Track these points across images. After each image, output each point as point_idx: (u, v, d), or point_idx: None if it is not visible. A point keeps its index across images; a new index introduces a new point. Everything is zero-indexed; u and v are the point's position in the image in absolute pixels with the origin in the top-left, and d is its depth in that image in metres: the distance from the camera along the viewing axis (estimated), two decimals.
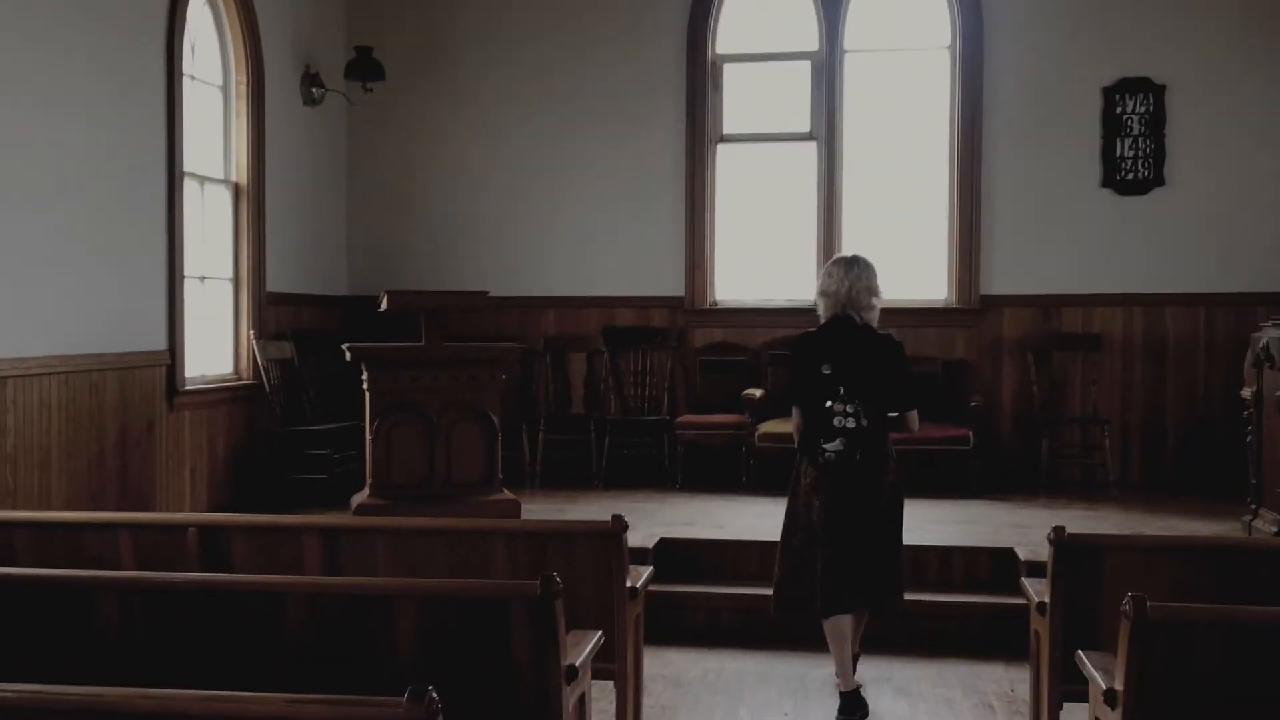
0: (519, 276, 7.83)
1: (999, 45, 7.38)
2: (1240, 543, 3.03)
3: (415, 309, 6.15)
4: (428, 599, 2.62)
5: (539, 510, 6.34)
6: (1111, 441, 7.11)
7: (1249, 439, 5.61)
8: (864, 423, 4.08)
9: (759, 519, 6.14)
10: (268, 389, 6.68)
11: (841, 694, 4.22)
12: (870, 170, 7.66)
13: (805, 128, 7.69)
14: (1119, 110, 7.32)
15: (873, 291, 4.22)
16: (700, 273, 7.70)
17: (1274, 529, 5.20)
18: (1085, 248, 7.34)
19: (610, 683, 3.63)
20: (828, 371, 4.12)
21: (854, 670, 4.30)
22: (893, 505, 4.28)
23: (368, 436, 5.98)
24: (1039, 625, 3.39)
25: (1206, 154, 7.21)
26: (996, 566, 5.36)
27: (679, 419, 7.28)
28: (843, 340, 4.18)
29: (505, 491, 6.13)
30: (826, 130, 7.63)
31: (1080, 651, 2.72)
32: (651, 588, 5.24)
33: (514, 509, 6.07)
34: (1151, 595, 3.14)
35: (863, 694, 4.25)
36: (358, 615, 2.63)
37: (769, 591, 5.16)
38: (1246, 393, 5.64)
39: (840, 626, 4.18)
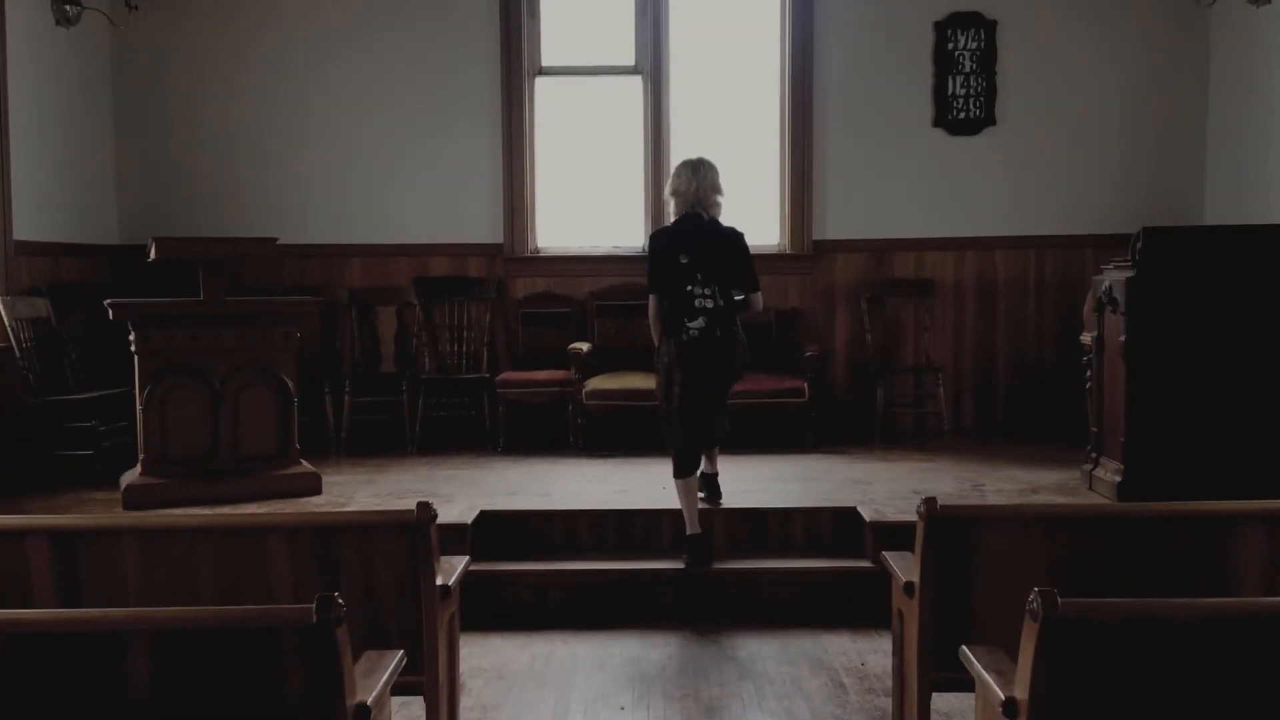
0: (320, 222, 7.08)
1: None
2: (1121, 511, 2.72)
3: (191, 258, 5.38)
4: (168, 631, 2.03)
5: (344, 483, 5.70)
6: (945, 389, 6.95)
7: (1089, 386, 5.46)
8: (720, 303, 4.73)
9: (589, 484, 5.68)
10: (18, 353, 5.76)
11: (689, 537, 4.80)
12: (700, 108, 7.21)
13: (630, 60, 7.17)
14: (951, 46, 7.07)
15: (717, 190, 4.84)
16: (520, 218, 7.12)
17: (1116, 478, 5.07)
18: (917, 190, 7.11)
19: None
20: (685, 261, 4.71)
21: (715, 460, 5.11)
22: (739, 374, 4.94)
23: (138, 406, 5.22)
24: (904, 606, 3.03)
25: (1037, 93, 7.05)
26: (839, 527, 5.06)
27: (500, 376, 6.73)
28: (695, 233, 4.78)
29: (304, 463, 5.48)
30: (652, 64, 7.13)
31: (965, 648, 2.34)
32: (473, 567, 4.74)
33: (313, 483, 5.43)
34: (1030, 573, 2.81)
35: (716, 481, 5.11)
36: (74, 654, 2.02)
37: (601, 565, 4.84)
38: (1087, 338, 5.49)
39: (692, 483, 4.84)
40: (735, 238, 4.88)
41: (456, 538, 4.79)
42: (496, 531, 5.02)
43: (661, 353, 4.83)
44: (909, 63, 7.07)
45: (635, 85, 7.17)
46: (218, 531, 2.89)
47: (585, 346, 6.64)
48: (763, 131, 7.22)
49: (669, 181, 4.98)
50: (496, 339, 7.10)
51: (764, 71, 7.20)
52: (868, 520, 4.86)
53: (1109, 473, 5.15)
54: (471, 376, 6.87)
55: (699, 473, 5.09)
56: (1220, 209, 6.85)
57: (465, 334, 7.03)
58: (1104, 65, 7.01)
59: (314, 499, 5.35)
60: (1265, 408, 4.89)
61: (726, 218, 4.96)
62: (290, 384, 5.39)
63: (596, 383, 6.49)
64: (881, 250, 7.11)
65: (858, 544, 4.94)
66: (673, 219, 4.91)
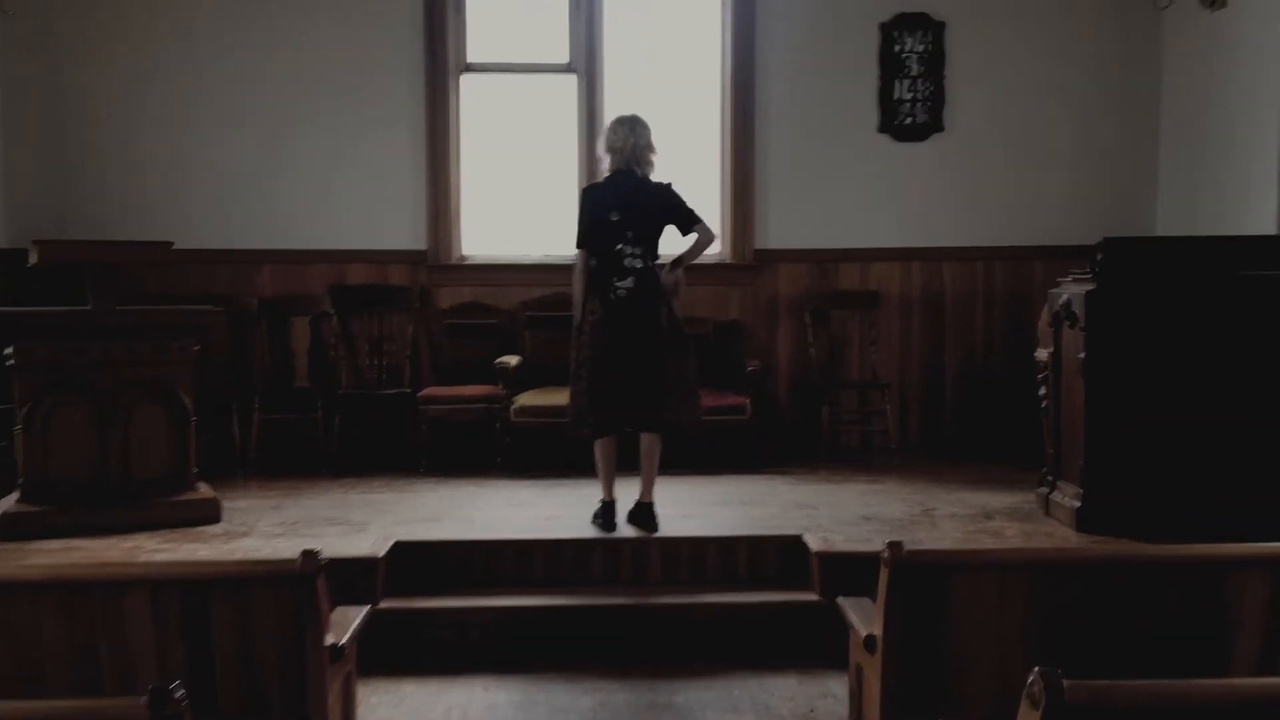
0: (229, 227, 6.60)
1: None
2: (1109, 556, 2.40)
3: (77, 263, 4.89)
4: None
5: (247, 509, 5.23)
6: (891, 406, 6.65)
7: (1044, 404, 5.18)
8: (649, 263, 4.71)
9: (515, 509, 5.28)
10: None
11: (602, 503, 4.81)
12: (637, 110, 6.80)
13: (564, 58, 6.79)
14: (897, 49, 6.80)
15: (651, 148, 4.77)
16: (445, 223, 6.70)
17: (1074, 503, 4.79)
18: (863, 198, 6.82)
19: None
20: (615, 218, 4.69)
21: (652, 488, 4.84)
22: (674, 339, 4.78)
23: (17, 425, 4.73)
24: (864, 662, 2.68)
25: (986, 98, 6.80)
26: (784, 556, 4.71)
27: (423, 392, 6.30)
28: (628, 190, 4.73)
29: (202, 488, 5.02)
30: (587, 62, 6.75)
31: None
32: (386, 604, 4.35)
33: (211, 510, 4.97)
34: (1009, 627, 2.48)
35: (651, 510, 4.80)
36: None
37: (526, 600, 4.45)
38: (1042, 354, 5.20)
39: (609, 446, 4.79)
40: (666, 189, 4.81)
41: (367, 572, 4.38)
42: (413, 564, 4.60)
43: (586, 311, 4.73)
44: (854, 65, 6.78)
45: (569, 84, 6.79)
46: (67, 587, 2.45)
47: (514, 360, 6.24)
48: (703, 135, 6.88)
49: (602, 137, 4.89)
50: (419, 352, 6.66)
51: (704, 73, 6.86)
52: (815, 550, 4.51)
53: (1067, 497, 4.87)
54: (392, 392, 6.42)
55: (636, 503, 4.82)
56: (1173, 219, 6.65)
57: (385, 346, 6.59)
58: (1055, 70, 6.78)
59: (211, 528, 4.89)
60: (1231, 428, 4.64)
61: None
62: (188, 401, 4.93)
63: (526, 399, 6.09)
64: (826, 260, 6.81)
65: (803, 575, 4.60)
66: (606, 174, 4.84)
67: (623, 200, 4.72)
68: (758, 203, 6.78)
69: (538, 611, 4.42)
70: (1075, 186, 6.82)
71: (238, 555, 4.44)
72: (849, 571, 4.39)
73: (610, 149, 4.80)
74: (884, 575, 2.50)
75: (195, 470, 5.00)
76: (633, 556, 4.70)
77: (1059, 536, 4.69)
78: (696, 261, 6.52)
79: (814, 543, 4.58)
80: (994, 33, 6.76)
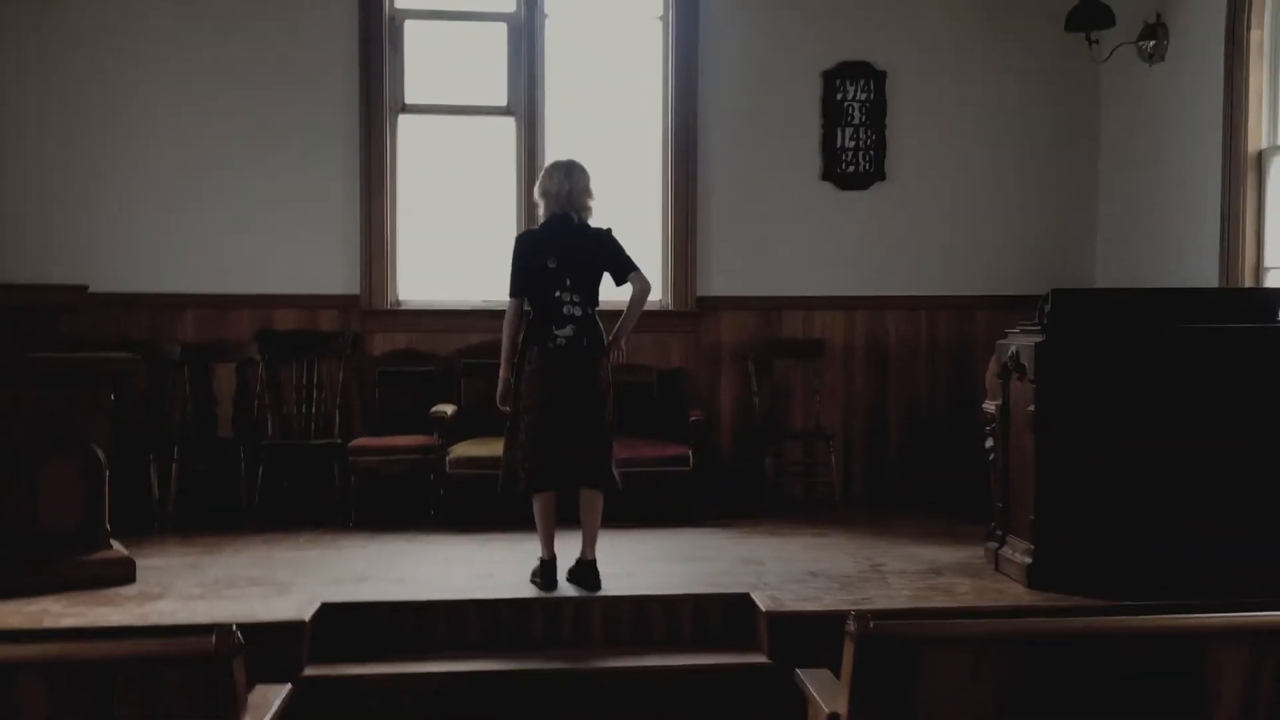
0: (150, 269, 6.32)
1: (715, 18, 6.64)
2: (1085, 629, 2.28)
3: None
4: None
5: (164, 568, 4.94)
6: (836, 457, 6.54)
7: (992, 458, 5.10)
8: (588, 311, 4.58)
9: (449, 566, 5.05)
10: None
11: (542, 561, 4.62)
12: (578, 155, 6.66)
13: (503, 100, 6.65)
14: (839, 97, 6.76)
15: (588, 193, 4.65)
16: (379, 267, 6.48)
17: (1026, 559, 4.69)
18: (806, 246, 6.75)
19: None
20: (553, 265, 4.55)
21: (594, 545, 4.65)
22: (608, 389, 4.65)
23: None
24: None
25: (928, 147, 6.78)
26: (730, 615, 4.54)
27: (353, 443, 6.05)
28: (565, 236, 4.60)
29: (115, 546, 4.74)
30: (527, 105, 6.62)
31: None
32: (312, 671, 4.09)
33: (125, 570, 4.68)
34: (980, 704, 2.34)
35: (595, 568, 4.63)
36: None
37: (460, 666, 4.21)
38: (990, 406, 5.13)
39: (549, 502, 4.62)
40: (605, 235, 4.69)
41: (292, 638, 4.13)
42: (341, 627, 4.35)
43: (524, 361, 4.58)
44: (797, 113, 6.73)
45: (508, 126, 6.65)
46: None
47: (450, 409, 6.03)
48: (644, 181, 6.77)
49: (539, 181, 4.76)
50: (350, 401, 6.42)
51: (645, 118, 6.76)
52: (764, 610, 4.35)
53: (1017, 553, 4.77)
54: (320, 442, 6.16)
55: (578, 560, 4.65)
56: (1112, 270, 6.67)
57: (315, 395, 6.33)
58: (995, 120, 6.80)
59: (125, 589, 4.59)
60: (1181, 482, 4.59)
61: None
62: (100, 454, 4.64)
63: (462, 449, 5.88)
64: (769, 309, 6.71)
65: (750, 634, 4.43)
66: (541, 220, 4.72)
67: (560, 246, 4.58)
68: (700, 249, 6.67)
69: (473, 677, 4.19)
70: (1016, 236, 6.82)
71: (152, 620, 4.16)
72: (798, 631, 4.26)
73: (545, 194, 4.67)
74: (849, 650, 2.34)
75: (108, 527, 4.71)
76: (574, 617, 4.49)
77: (1011, 593, 4.58)
78: None
79: (763, 602, 4.41)
80: (935, 83, 6.77)
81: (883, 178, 6.77)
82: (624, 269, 4.65)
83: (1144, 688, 2.39)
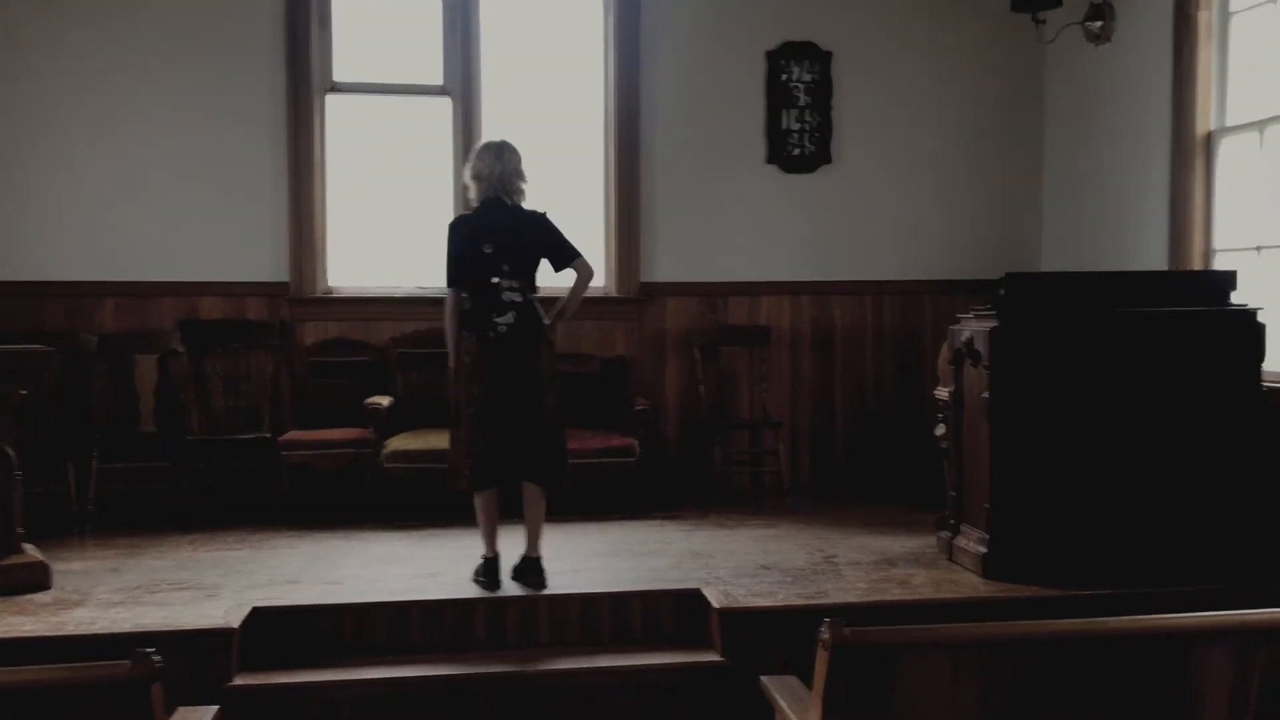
0: (65, 257, 6.00)
1: None
2: (1066, 631, 2.16)
3: None
4: None
5: (83, 572, 4.66)
6: (783, 445, 6.42)
7: (944, 445, 5.00)
8: (528, 297, 4.40)
9: (388, 566, 4.83)
10: None
11: (485, 559, 4.45)
12: (518, 137, 6.44)
13: (438, 80, 6.40)
14: (784, 78, 6.62)
15: (520, 175, 4.46)
16: (309, 253, 6.22)
17: (981, 549, 4.59)
18: (751, 230, 6.61)
19: None
20: (489, 251, 4.37)
21: (539, 541, 4.48)
22: (552, 378, 4.47)
23: None
24: None
25: (874, 130, 6.67)
26: (681, 611, 4.38)
27: (284, 436, 5.79)
28: (500, 220, 4.42)
29: (28, 551, 4.46)
30: (463, 85, 6.38)
31: None
32: (243, 681, 3.87)
33: (38, 575, 4.40)
34: (961, 713, 2.20)
35: (539, 566, 4.45)
36: None
37: (401, 672, 4.00)
38: (943, 393, 5.03)
39: (491, 497, 4.45)
40: (541, 219, 4.50)
41: (220, 645, 3.89)
42: (273, 633, 4.12)
43: (462, 352, 4.40)
44: (741, 95, 6.58)
45: (444, 107, 6.41)
46: None
47: (386, 401, 5.80)
48: (587, 165, 6.57)
49: (469, 164, 4.54)
50: (280, 393, 6.15)
51: (588, 99, 6.56)
52: (716, 607, 4.19)
53: (972, 542, 4.68)
54: (249, 437, 5.88)
55: (522, 557, 4.47)
56: (1058, 255, 6.62)
57: (242, 387, 6.06)
58: (942, 102, 6.70)
59: (39, 596, 4.31)
60: (1138, 469, 4.52)
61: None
62: (10, 453, 4.35)
63: (398, 442, 5.65)
64: (714, 295, 6.56)
65: (702, 631, 4.28)
66: (474, 205, 4.52)
67: (495, 231, 4.40)
68: (644, 234, 6.50)
69: (415, 683, 3.98)
70: (962, 220, 6.74)
71: (68, 630, 3.89)
72: (752, 628, 4.12)
73: (477, 176, 4.48)
74: (822, 658, 2.18)
75: (20, 531, 4.42)
76: (520, 617, 4.31)
77: (967, 584, 4.49)
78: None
79: (715, 598, 4.26)
80: (881, 64, 6.65)
81: (829, 161, 6.64)
82: (565, 256, 4.49)
83: (1130, 690, 2.28)
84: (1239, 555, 4.51)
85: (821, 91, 6.63)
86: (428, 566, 4.79)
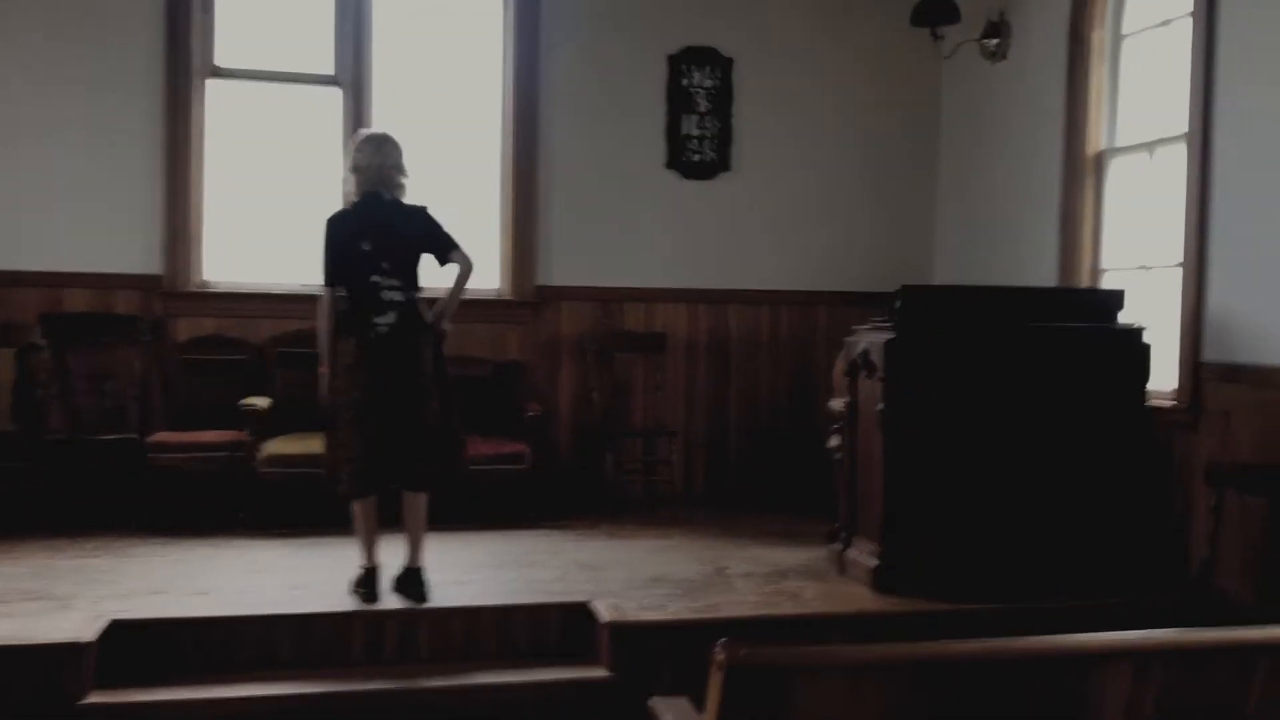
0: None
1: None
2: (967, 653, 2.09)
3: None
4: None
5: None
6: (676, 454, 6.33)
7: (838, 457, 4.96)
8: (410, 295, 4.21)
9: (260, 576, 4.59)
10: None
11: (363, 570, 4.24)
12: (412, 133, 6.20)
13: (329, 69, 6.16)
14: (685, 82, 6.54)
15: (400, 170, 4.29)
16: (184, 245, 5.91)
17: (872, 561, 4.56)
18: (648, 236, 6.51)
19: None
20: (368, 248, 4.18)
21: (421, 551, 4.28)
22: (439, 378, 4.28)
23: None
24: None
25: (774, 138, 6.63)
26: (569, 625, 4.24)
27: (152, 438, 5.48)
28: (378, 216, 4.24)
29: None
30: (355, 76, 6.15)
31: None
32: (97, 699, 3.61)
33: None
34: None
35: (422, 577, 4.24)
36: None
37: (272, 690, 3.78)
38: (838, 404, 4.99)
39: (370, 505, 4.26)
40: (421, 213, 4.32)
41: (72, 660, 3.62)
42: (133, 647, 3.86)
43: (340, 354, 4.19)
44: (642, 98, 6.48)
45: (335, 98, 6.16)
46: None
47: (263, 402, 5.53)
48: (483, 164, 6.39)
49: (349, 157, 4.36)
50: (150, 391, 5.82)
51: (485, 98, 6.38)
52: (605, 621, 4.06)
53: (864, 555, 4.64)
54: (114, 437, 5.54)
55: (404, 568, 4.28)
56: (950, 269, 6.67)
57: (108, 385, 5.71)
58: (841, 114, 6.70)
59: None
60: (1029, 483, 4.53)
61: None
62: None
63: (276, 446, 5.40)
64: (610, 300, 6.44)
65: (590, 646, 4.15)
66: (353, 200, 4.33)
67: (374, 227, 4.20)
68: (540, 237, 6.35)
69: (284, 702, 3.76)
70: (857, 231, 6.75)
71: None
72: (642, 643, 4.01)
73: (356, 169, 4.29)
74: (716, 681, 2.07)
75: None
76: (399, 632, 4.12)
77: (858, 597, 4.45)
78: (472, 298, 6.06)
79: (603, 611, 4.13)
80: (782, 72, 6.62)
81: (728, 168, 6.59)
82: (445, 248, 4.29)
83: (1029, 712, 2.22)
84: (1123, 570, 4.56)
85: (722, 98, 6.57)
86: (303, 577, 4.56)
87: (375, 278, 4.16)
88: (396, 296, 4.17)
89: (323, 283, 4.25)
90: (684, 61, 6.53)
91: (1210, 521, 4.44)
